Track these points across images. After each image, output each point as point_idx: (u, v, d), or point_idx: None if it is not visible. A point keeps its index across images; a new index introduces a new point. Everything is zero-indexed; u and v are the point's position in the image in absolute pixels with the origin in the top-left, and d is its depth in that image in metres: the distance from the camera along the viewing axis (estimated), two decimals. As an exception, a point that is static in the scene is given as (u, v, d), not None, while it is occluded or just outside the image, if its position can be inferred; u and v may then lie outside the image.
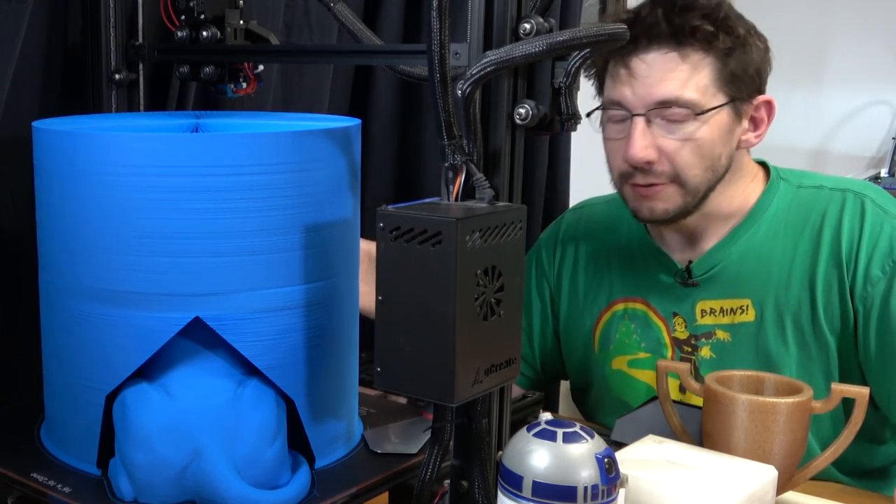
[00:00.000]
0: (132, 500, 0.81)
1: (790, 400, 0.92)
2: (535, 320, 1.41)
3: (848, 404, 0.96)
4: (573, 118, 0.79)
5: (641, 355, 1.30)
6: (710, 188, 1.20)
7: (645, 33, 1.16)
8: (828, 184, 1.24)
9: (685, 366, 1.01)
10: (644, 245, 1.31)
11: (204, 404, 0.81)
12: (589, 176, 1.76)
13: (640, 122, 1.16)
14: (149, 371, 0.83)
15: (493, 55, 0.73)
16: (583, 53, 0.76)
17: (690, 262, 1.25)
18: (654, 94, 1.15)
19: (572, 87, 0.78)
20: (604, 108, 1.22)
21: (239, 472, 0.80)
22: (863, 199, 1.20)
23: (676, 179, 1.18)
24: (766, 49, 1.21)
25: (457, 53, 0.78)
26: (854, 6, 3.37)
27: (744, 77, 1.18)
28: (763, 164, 1.28)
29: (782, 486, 0.93)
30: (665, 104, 1.15)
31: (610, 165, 1.24)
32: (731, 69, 1.16)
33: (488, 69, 0.73)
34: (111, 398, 0.83)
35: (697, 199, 1.20)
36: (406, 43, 1.47)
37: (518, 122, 0.78)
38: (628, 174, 1.20)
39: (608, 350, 1.33)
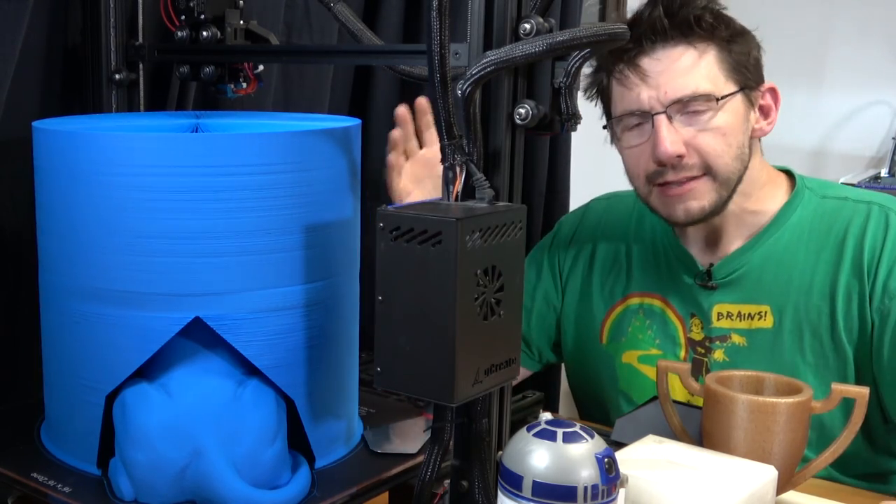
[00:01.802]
0: (132, 499, 0.81)
1: (790, 400, 0.92)
2: (538, 293, 1.41)
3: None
4: (573, 118, 0.79)
5: (654, 351, 1.31)
6: (739, 179, 1.20)
7: (649, 30, 1.18)
8: (852, 195, 1.25)
9: (685, 366, 1.01)
10: (668, 243, 1.31)
11: (204, 404, 0.81)
12: (589, 176, 1.76)
13: (662, 119, 1.17)
14: (149, 371, 0.83)
15: (493, 55, 0.73)
16: (583, 53, 0.76)
17: (712, 264, 1.26)
18: (669, 92, 1.17)
19: (572, 87, 0.78)
20: (617, 118, 1.22)
21: (239, 472, 0.80)
22: (887, 213, 1.20)
23: (708, 171, 1.19)
24: (759, 45, 1.24)
25: (457, 53, 0.78)
26: (854, 7, 3.37)
27: (747, 65, 1.20)
28: (787, 172, 1.29)
29: (782, 486, 0.93)
30: (682, 100, 1.17)
31: (633, 174, 1.24)
32: (734, 57, 1.19)
33: (488, 69, 0.73)
34: (111, 398, 0.83)
35: (730, 190, 1.20)
36: (406, 43, 1.47)
37: (518, 122, 0.78)
38: (657, 174, 1.20)
39: (619, 343, 1.34)
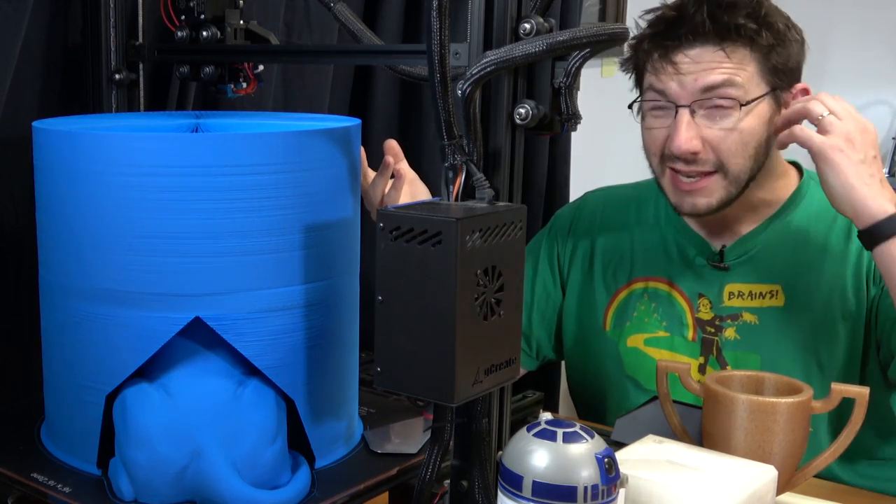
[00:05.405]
0: (132, 499, 0.81)
1: (790, 400, 0.92)
2: (537, 287, 1.42)
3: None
4: (573, 118, 0.79)
5: (661, 334, 1.32)
6: (752, 177, 1.22)
7: (690, 31, 1.18)
8: None
9: (685, 365, 1.01)
10: (675, 225, 1.32)
11: (204, 404, 0.81)
12: (589, 176, 1.76)
13: (685, 114, 1.18)
14: (149, 371, 0.83)
15: (493, 55, 0.73)
16: (583, 53, 0.76)
17: (724, 246, 1.27)
18: (700, 81, 1.17)
19: (572, 87, 0.78)
20: (644, 97, 1.24)
21: (239, 472, 0.80)
22: None
23: (720, 168, 1.20)
24: (803, 41, 1.24)
25: (457, 53, 0.78)
26: (854, 6, 3.37)
27: (784, 70, 1.21)
28: (795, 165, 1.31)
29: (782, 486, 0.93)
30: (711, 89, 1.17)
31: (650, 151, 1.25)
32: (773, 63, 1.19)
33: (488, 69, 0.73)
34: (111, 398, 0.83)
35: (740, 188, 1.21)
36: (406, 43, 1.47)
37: (518, 122, 0.78)
38: (671, 157, 1.21)
39: (623, 327, 1.34)
